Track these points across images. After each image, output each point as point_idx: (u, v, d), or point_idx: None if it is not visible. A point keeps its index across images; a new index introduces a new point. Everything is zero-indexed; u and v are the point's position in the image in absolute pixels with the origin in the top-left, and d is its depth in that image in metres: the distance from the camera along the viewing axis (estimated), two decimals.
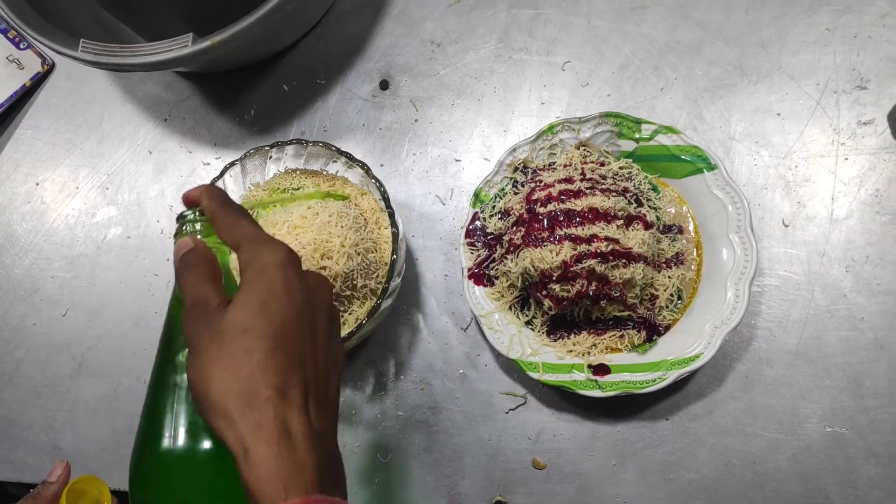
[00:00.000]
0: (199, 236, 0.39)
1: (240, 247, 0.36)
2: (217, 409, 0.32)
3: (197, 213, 0.40)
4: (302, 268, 0.37)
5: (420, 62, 0.69)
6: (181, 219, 0.41)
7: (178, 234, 0.40)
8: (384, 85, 0.69)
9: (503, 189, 0.61)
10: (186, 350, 0.35)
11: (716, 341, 0.53)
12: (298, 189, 0.60)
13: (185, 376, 0.36)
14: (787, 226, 0.59)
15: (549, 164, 0.60)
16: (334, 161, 0.60)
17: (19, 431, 0.68)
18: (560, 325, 0.58)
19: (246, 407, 0.31)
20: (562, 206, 0.55)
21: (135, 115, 0.74)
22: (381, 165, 0.67)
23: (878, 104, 0.60)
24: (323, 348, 0.36)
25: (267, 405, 0.31)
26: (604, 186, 0.56)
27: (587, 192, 0.55)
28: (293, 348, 0.33)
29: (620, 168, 0.59)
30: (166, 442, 0.35)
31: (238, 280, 0.36)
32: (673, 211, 0.59)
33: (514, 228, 0.57)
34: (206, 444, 0.35)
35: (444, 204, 0.66)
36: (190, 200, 0.40)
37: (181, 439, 0.35)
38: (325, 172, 0.61)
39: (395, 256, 0.54)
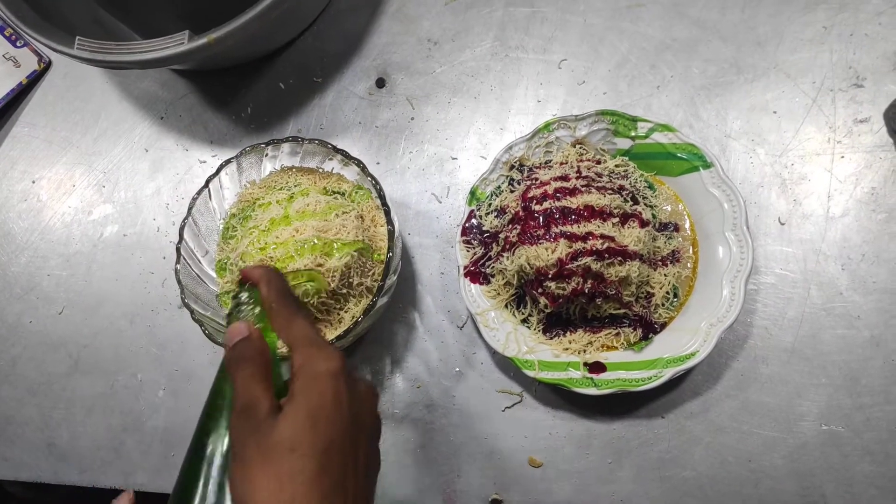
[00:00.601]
0: (252, 321, 0.39)
1: (294, 347, 0.36)
2: None
3: (253, 297, 0.39)
4: (352, 376, 0.37)
5: (416, 60, 0.69)
6: (236, 299, 0.40)
7: (231, 316, 0.40)
8: (380, 83, 0.69)
9: (499, 187, 0.61)
10: (227, 436, 0.36)
11: (711, 339, 0.53)
12: (297, 186, 0.60)
13: (220, 468, 0.36)
14: (783, 224, 0.59)
15: (546, 162, 0.60)
16: (330, 159, 0.60)
17: (15, 429, 0.68)
18: (556, 322, 0.58)
19: None
20: (557, 203, 0.55)
21: (131, 113, 0.74)
22: (378, 163, 0.67)
23: (875, 102, 0.60)
24: (364, 460, 0.36)
25: None
26: (600, 184, 0.56)
27: (583, 189, 0.55)
28: (338, 469, 0.34)
29: (616, 166, 0.59)
30: None
31: (283, 357, 0.37)
32: (669, 209, 0.59)
33: (510, 226, 0.57)
34: None
35: (441, 202, 0.65)
36: (248, 280, 0.40)
37: None
38: (321, 170, 0.61)
39: (390, 254, 0.54)
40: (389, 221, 0.54)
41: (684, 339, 0.54)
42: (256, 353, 0.37)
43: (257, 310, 0.39)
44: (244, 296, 0.40)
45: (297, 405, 0.34)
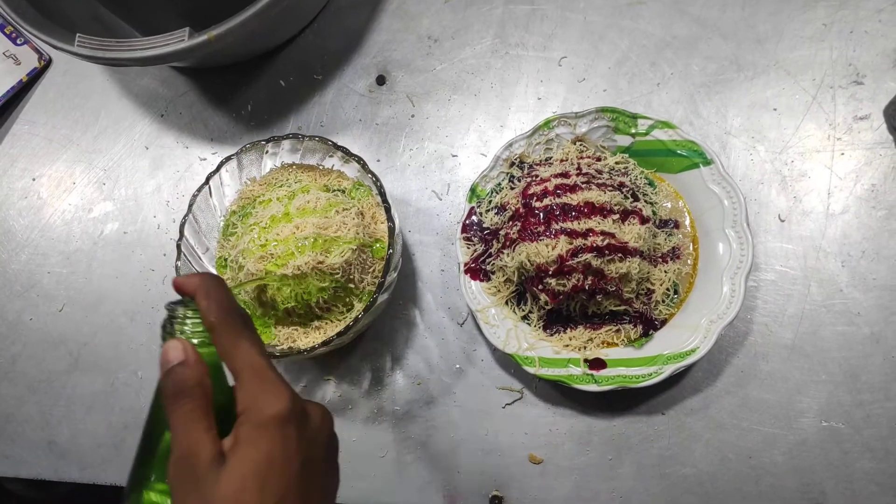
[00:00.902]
0: (190, 337, 0.35)
1: (238, 379, 0.33)
2: None
3: (190, 310, 0.35)
4: (302, 408, 0.34)
5: (417, 58, 0.69)
6: (171, 311, 0.35)
7: (164, 329, 0.35)
8: (381, 80, 0.69)
9: (499, 184, 0.61)
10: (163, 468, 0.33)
11: (711, 336, 0.53)
12: (298, 183, 0.60)
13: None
14: (783, 221, 0.59)
15: (546, 159, 0.60)
16: (331, 156, 0.60)
17: (15, 427, 0.68)
18: (556, 319, 0.58)
19: None
20: (558, 200, 0.55)
21: (131, 111, 0.74)
22: (378, 161, 0.67)
23: (874, 99, 0.60)
24: (318, 496, 0.34)
25: None
26: (600, 181, 0.56)
27: (583, 186, 0.55)
28: None
29: (616, 163, 0.59)
30: None
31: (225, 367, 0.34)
32: (669, 206, 0.59)
33: (511, 223, 0.57)
34: None
35: (441, 199, 0.66)
36: (183, 291, 0.35)
37: None
38: (321, 167, 0.61)
39: (391, 251, 0.54)
40: (390, 218, 0.54)
41: (684, 336, 0.54)
42: (195, 384, 0.33)
43: (189, 323, 0.35)
44: (180, 310, 0.35)
45: (243, 459, 0.31)
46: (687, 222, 0.59)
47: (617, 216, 0.54)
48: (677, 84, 0.63)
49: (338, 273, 0.54)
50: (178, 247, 0.57)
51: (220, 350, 0.34)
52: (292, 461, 0.32)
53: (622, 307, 0.56)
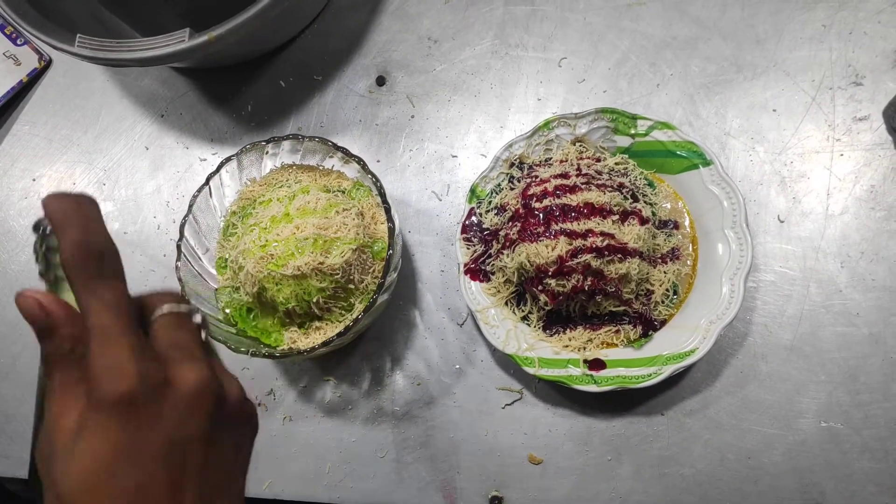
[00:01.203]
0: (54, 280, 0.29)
1: (90, 340, 0.27)
2: None
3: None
4: (164, 384, 0.28)
5: (417, 58, 0.69)
6: (41, 235, 0.30)
7: (38, 258, 0.30)
8: (381, 81, 0.69)
9: (499, 185, 0.61)
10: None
11: (711, 336, 0.53)
12: (298, 183, 0.60)
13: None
14: (782, 221, 0.59)
15: (545, 160, 0.61)
16: (331, 156, 0.60)
17: (16, 427, 0.68)
18: (556, 320, 0.58)
19: None
20: (557, 201, 0.55)
21: (131, 111, 0.74)
22: (378, 161, 0.67)
23: (874, 100, 0.60)
24: (196, 477, 0.29)
25: None
26: (599, 182, 0.56)
27: (583, 187, 0.55)
28: None
29: (616, 164, 0.59)
30: None
31: None
32: (668, 206, 0.59)
33: (510, 224, 0.57)
34: None
35: (441, 200, 0.66)
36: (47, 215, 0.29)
37: None
38: (321, 168, 0.61)
39: (391, 252, 0.54)
40: (390, 219, 0.54)
41: (684, 337, 0.55)
42: (68, 346, 0.28)
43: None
44: (50, 235, 0.29)
45: (90, 444, 0.27)
46: (686, 223, 0.59)
47: (616, 217, 0.54)
48: (677, 85, 0.64)
49: (338, 273, 0.54)
50: (179, 247, 0.57)
51: (76, 298, 0.28)
52: (149, 446, 0.27)
53: (622, 308, 0.56)
